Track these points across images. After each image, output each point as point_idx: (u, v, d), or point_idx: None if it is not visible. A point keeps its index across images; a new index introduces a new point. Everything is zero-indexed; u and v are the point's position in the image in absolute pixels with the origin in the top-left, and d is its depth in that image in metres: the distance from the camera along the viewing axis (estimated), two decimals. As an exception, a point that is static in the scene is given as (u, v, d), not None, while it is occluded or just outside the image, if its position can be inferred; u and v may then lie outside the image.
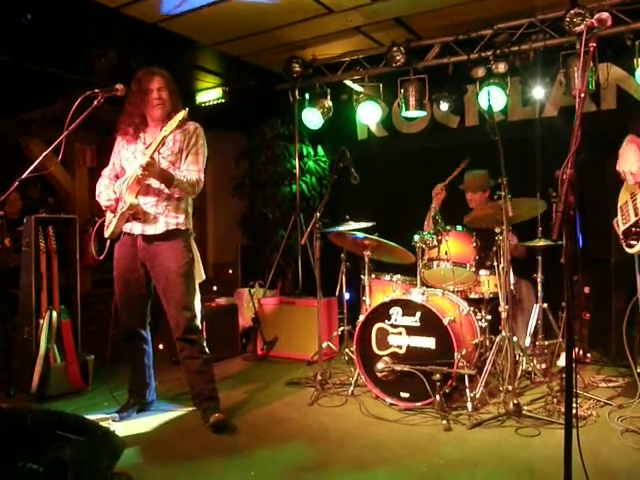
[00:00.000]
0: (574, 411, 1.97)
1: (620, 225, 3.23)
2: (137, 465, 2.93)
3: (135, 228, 3.47)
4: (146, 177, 3.33)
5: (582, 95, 1.91)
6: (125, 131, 3.51)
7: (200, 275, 3.66)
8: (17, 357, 4.13)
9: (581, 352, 4.64)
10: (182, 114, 3.23)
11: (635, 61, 4.57)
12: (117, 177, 3.60)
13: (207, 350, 3.55)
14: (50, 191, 6.06)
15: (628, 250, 3.11)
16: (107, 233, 3.51)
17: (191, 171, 3.46)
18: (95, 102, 3.19)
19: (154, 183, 3.42)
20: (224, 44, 5.43)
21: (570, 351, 1.94)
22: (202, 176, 3.51)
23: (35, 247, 4.13)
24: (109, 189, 3.53)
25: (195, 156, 3.50)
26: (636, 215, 3.08)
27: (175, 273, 3.42)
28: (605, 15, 2.10)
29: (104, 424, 3.25)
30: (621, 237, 3.17)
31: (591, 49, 1.97)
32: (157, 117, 3.48)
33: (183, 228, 3.51)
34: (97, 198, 3.58)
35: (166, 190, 3.43)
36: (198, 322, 3.54)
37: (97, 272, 6.03)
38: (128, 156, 3.52)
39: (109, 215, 3.54)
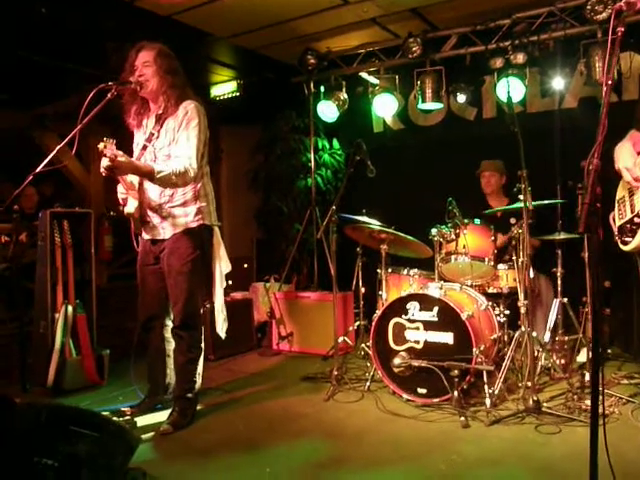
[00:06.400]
0: (600, 409, 1.91)
1: (616, 220, 3.15)
2: (152, 460, 2.92)
3: (145, 235, 3.48)
4: (117, 174, 3.14)
5: (609, 82, 1.84)
6: (130, 118, 3.40)
7: (227, 265, 3.63)
8: (33, 351, 4.15)
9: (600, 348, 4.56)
10: (100, 145, 2.93)
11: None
12: None
13: (196, 350, 3.44)
14: (65, 185, 6.08)
15: (622, 247, 3.02)
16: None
17: (179, 158, 3.20)
18: (109, 95, 3.15)
19: (149, 186, 3.29)
20: (238, 37, 5.40)
21: (596, 349, 1.88)
22: (194, 162, 3.20)
23: (50, 241, 4.13)
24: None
25: (185, 141, 3.24)
26: (632, 212, 2.99)
27: (176, 271, 3.36)
28: (634, -2, 2.02)
29: (120, 419, 3.26)
30: (616, 233, 3.09)
31: (619, 34, 1.89)
32: (150, 98, 3.33)
33: (194, 225, 3.38)
34: None
35: (167, 191, 3.30)
36: (196, 321, 3.45)
37: (112, 266, 6.06)
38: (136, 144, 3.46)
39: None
